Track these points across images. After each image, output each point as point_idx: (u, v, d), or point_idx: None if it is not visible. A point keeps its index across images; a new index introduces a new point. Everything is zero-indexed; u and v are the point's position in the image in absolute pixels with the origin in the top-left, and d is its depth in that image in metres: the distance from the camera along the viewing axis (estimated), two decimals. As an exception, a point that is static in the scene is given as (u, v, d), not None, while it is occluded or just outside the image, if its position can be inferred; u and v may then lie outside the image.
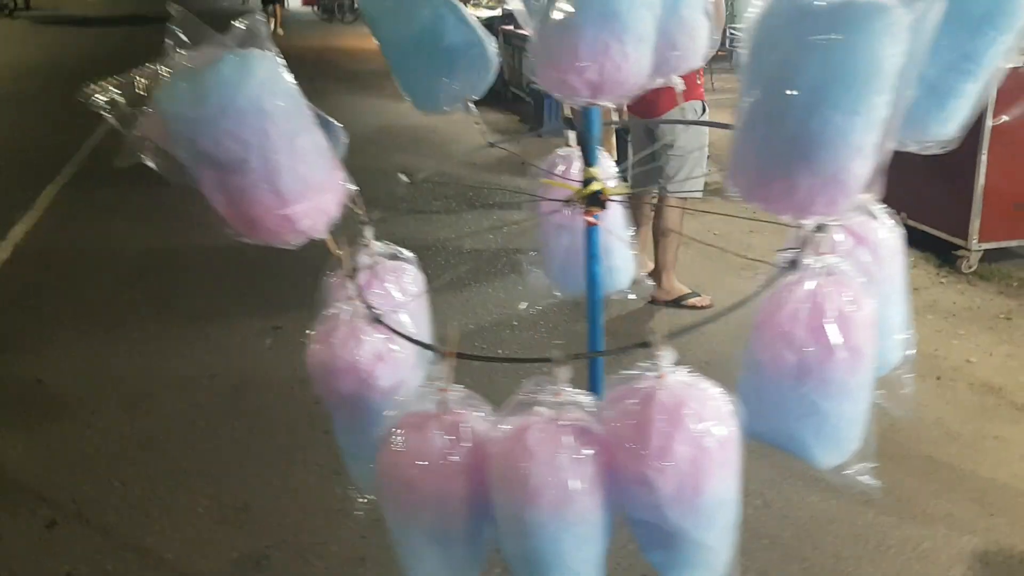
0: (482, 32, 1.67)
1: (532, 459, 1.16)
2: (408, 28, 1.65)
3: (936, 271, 4.92)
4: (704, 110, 4.33)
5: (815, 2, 0.97)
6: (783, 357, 1.27)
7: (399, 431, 1.28)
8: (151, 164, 1.48)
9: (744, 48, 1.09)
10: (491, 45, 1.67)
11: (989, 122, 4.66)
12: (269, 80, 1.28)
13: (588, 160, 1.48)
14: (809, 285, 1.25)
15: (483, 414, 1.29)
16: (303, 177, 1.33)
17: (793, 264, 1.24)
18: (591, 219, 1.50)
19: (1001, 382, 3.67)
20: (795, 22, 0.99)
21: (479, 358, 1.29)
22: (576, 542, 1.19)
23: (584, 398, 1.22)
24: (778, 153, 1.05)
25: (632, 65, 1.33)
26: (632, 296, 1.86)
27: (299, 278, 4.88)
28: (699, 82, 4.29)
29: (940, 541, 2.67)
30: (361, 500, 1.58)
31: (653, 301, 4.50)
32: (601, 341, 1.57)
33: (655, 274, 4.53)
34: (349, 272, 1.48)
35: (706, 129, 4.53)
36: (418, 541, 1.30)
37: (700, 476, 1.14)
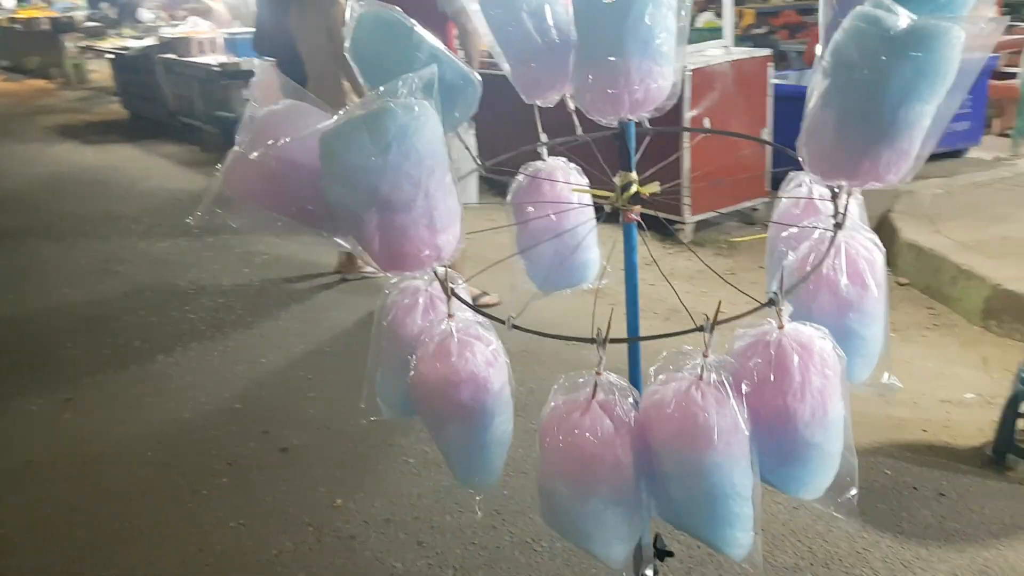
0: (463, 64, 1.83)
1: (706, 411, 1.40)
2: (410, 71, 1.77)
3: (662, 244, 5.70)
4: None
5: (900, 26, 1.33)
6: (827, 300, 1.64)
7: (570, 415, 1.44)
8: (231, 221, 1.49)
9: (827, 66, 1.42)
10: (475, 74, 1.83)
11: (687, 114, 5.53)
12: (436, 123, 1.39)
13: (627, 166, 1.73)
14: (838, 241, 1.63)
15: (629, 389, 1.50)
16: (449, 208, 1.45)
17: (838, 226, 1.60)
18: (633, 216, 1.75)
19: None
20: (887, 41, 1.33)
21: (632, 339, 1.49)
22: (744, 473, 1.44)
23: (721, 358, 1.48)
24: (870, 139, 1.39)
25: (667, 84, 1.63)
26: (600, 285, 2.12)
27: (64, 345, 4.48)
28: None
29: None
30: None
31: None
32: (637, 321, 1.83)
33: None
34: (449, 293, 1.59)
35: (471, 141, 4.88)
36: (599, 509, 1.47)
37: (827, 399, 1.45)
